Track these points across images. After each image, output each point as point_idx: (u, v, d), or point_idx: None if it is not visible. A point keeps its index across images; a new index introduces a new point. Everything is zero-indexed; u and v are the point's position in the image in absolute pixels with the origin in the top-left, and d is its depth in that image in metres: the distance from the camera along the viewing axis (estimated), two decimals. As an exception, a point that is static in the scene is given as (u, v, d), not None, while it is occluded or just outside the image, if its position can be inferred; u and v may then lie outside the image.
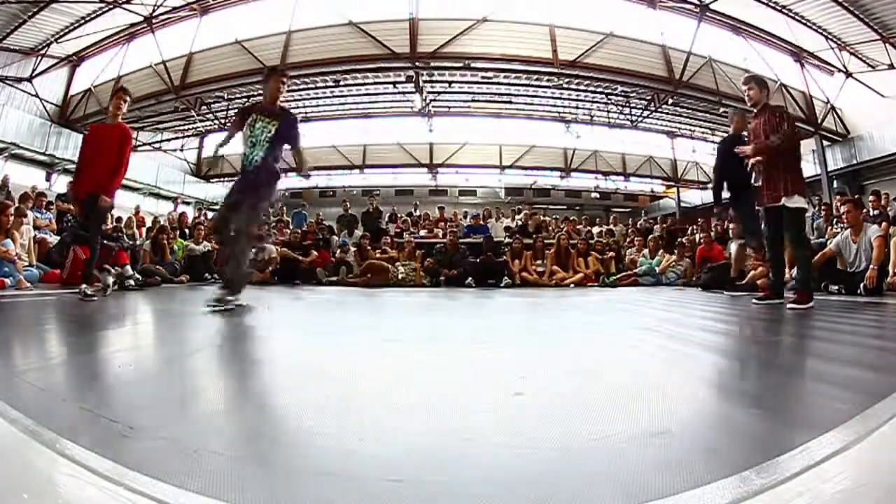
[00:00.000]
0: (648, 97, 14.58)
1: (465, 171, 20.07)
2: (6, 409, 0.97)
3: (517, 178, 20.45)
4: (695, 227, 10.19)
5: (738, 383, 1.42)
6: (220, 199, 19.45)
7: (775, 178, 3.53)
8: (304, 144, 3.66)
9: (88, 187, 3.85)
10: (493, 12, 12.24)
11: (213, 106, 15.56)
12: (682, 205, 19.90)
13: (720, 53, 13.01)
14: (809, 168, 3.62)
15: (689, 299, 4.69)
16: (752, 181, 3.67)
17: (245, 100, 15.63)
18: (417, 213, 11.72)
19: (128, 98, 4.07)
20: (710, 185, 4.54)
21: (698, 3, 11.81)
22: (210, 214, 11.38)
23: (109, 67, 13.73)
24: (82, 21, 12.02)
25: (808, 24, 11.62)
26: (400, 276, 7.34)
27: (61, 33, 12.14)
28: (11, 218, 5.04)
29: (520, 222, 10.09)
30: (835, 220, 7.16)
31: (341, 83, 14.27)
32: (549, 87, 14.32)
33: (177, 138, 17.92)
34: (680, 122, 17.18)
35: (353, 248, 8.04)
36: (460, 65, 13.01)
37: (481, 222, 9.85)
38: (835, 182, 13.50)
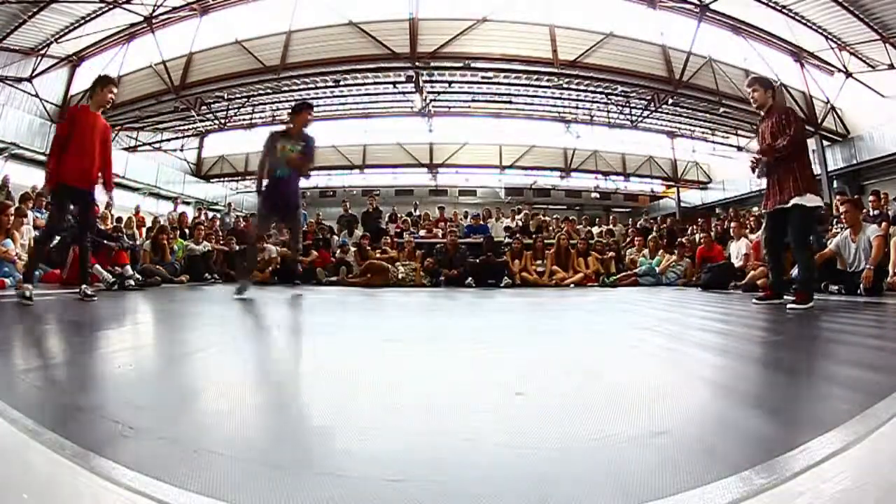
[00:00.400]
0: (648, 97, 14.58)
1: (465, 171, 20.10)
2: (6, 409, 0.97)
3: (517, 178, 20.47)
4: (695, 227, 10.20)
5: (738, 383, 1.42)
6: (220, 199, 19.38)
7: (782, 181, 3.46)
8: None
9: (84, 181, 3.63)
10: (493, 12, 12.25)
11: (213, 106, 15.58)
12: (682, 205, 19.92)
13: (720, 53, 13.02)
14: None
15: (689, 299, 4.69)
16: (757, 176, 3.66)
17: (245, 100, 15.67)
18: (417, 213, 11.72)
19: (115, 90, 3.88)
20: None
21: (698, 3, 11.81)
22: (210, 214, 11.37)
23: (109, 67, 13.70)
24: (82, 21, 12.02)
25: (808, 24, 11.62)
26: (400, 276, 7.34)
27: (61, 33, 12.14)
28: (12, 218, 5.05)
29: (520, 222, 10.09)
30: (835, 219, 7.16)
31: (341, 83, 14.27)
32: (549, 87, 14.32)
33: (177, 138, 17.94)
34: (680, 122, 17.19)
35: (353, 248, 8.04)
36: (460, 65, 13.01)
37: (481, 222, 9.85)
38: (835, 182, 13.51)
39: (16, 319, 2.64)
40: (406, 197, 18.26)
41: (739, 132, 16.18)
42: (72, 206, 3.81)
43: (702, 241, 7.95)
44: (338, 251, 8.14)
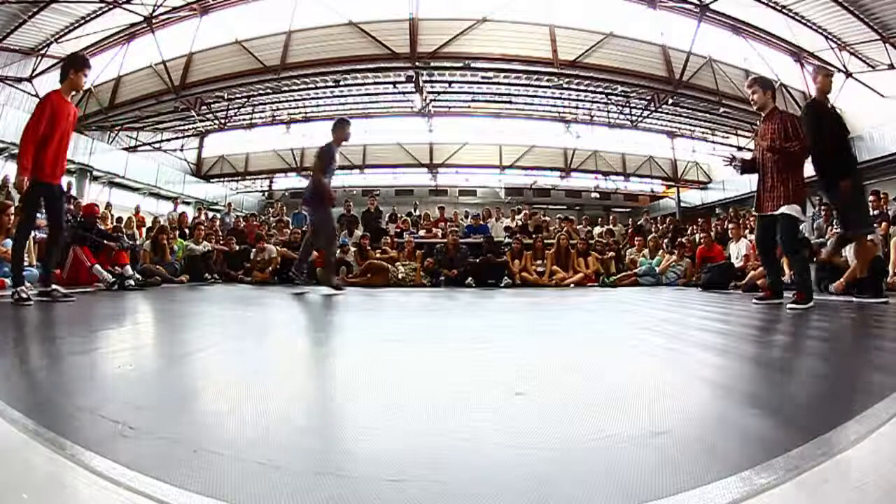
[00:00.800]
0: (648, 97, 14.59)
1: (464, 171, 20.10)
2: (6, 409, 0.97)
3: (517, 178, 20.47)
4: (695, 227, 10.19)
5: (738, 383, 1.42)
6: (220, 199, 19.34)
7: (776, 188, 3.56)
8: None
9: (57, 176, 3.48)
10: (493, 12, 12.25)
11: (213, 106, 15.59)
12: (682, 205, 19.91)
13: (720, 53, 13.03)
14: (808, 168, 3.61)
15: (689, 299, 4.69)
16: (738, 173, 3.77)
17: (245, 100, 15.66)
18: (417, 213, 11.73)
19: (89, 73, 3.61)
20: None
21: (698, 3, 11.82)
22: (210, 214, 11.36)
23: (109, 67, 13.75)
24: (82, 21, 12.03)
25: (808, 24, 11.63)
26: (400, 276, 7.34)
27: (61, 33, 12.14)
28: (12, 218, 5.04)
29: (520, 222, 10.09)
30: (834, 220, 7.15)
31: (341, 83, 14.29)
32: (548, 87, 14.33)
33: (177, 138, 17.95)
34: (680, 122, 17.20)
35: (353, 248, 8.04)
36: (460, 65, 13.02)
37: (481, 222, 9.85)
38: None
39: (16, 320, 2.64)
40: (406, 197, 18.26)
41: (739, 132, 16.18)
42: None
43: (702, 241, 7.95)
44: (338, 251, 8.13)
